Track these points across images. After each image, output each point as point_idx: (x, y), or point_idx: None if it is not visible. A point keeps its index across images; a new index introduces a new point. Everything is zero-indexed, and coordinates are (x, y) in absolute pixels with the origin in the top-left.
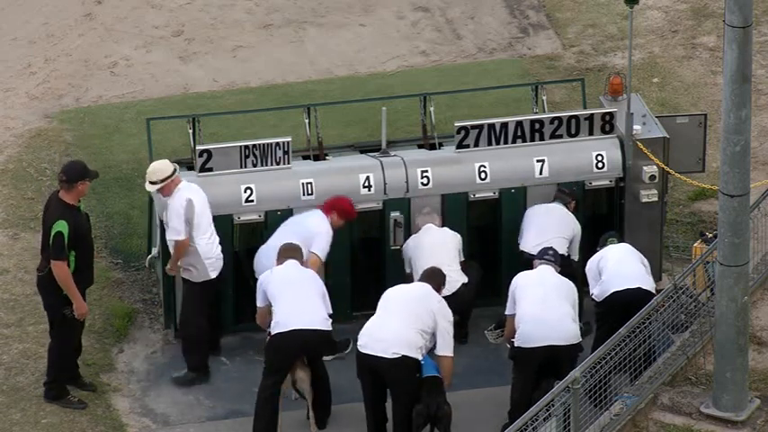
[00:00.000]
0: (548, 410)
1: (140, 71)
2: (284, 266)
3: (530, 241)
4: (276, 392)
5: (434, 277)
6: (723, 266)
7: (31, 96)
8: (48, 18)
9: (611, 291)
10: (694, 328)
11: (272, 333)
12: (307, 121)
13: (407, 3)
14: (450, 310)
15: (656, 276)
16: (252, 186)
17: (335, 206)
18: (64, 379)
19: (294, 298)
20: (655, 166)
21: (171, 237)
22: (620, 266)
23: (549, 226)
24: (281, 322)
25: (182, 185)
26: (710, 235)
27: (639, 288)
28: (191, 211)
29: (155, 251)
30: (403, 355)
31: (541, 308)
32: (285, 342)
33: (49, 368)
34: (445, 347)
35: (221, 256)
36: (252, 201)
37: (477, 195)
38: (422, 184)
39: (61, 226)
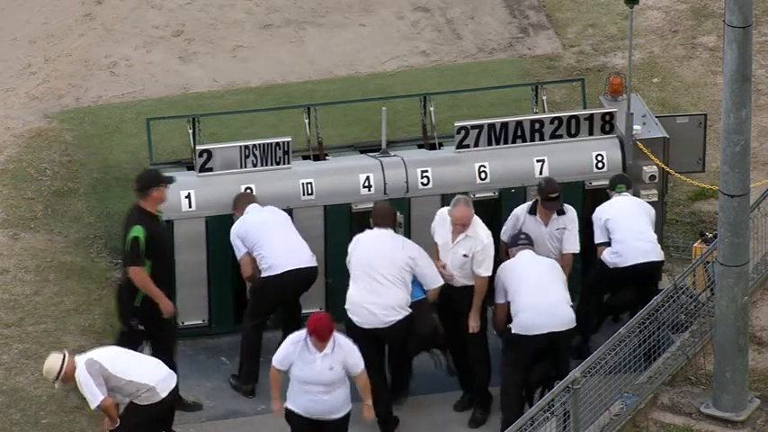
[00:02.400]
0: (548, 409)
1: (140, 71)
2: (254, 211)
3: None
4: (261, 330)
5: (388, 216)
6: (723, 266)
7: (31, 96)
8: (48, 18)
9: (628, 264)
10: (694, 328)
11: (266, 275)
12: (307, 121)
13: (407, 3)
14: (416, 245)
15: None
16: (252, 186)
17: None
18: None
19: (281, 238)
20: (655, 166)
21: (94, 404)
22: (634, 234)
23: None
24: (276, 264)
25: (77, 362)
26: (710, 235)
27: (653, 262)
28: (98, 373)
29: None
30: (397, 321)
31: (538, 295)
32: (281, 283)
33: None
34: (434, 281)
35: (170, 374)
36: None
37: (477, 195)
38: (422, 184)
39: (138, 231)
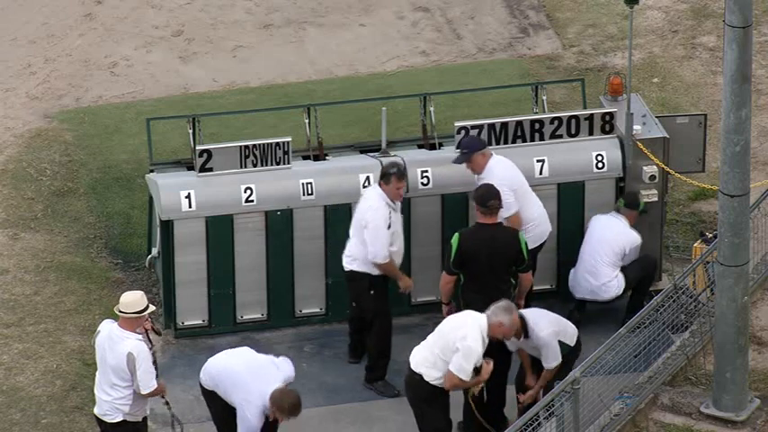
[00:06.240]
0: (548, 410)
1: (140, 71)
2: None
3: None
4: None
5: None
6: (723, 266)
7: (31, 96)
8: (48, 18)
9: None
10: (694, 328)
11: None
12: (307, 121)
13: (407, 3)
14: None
15: (657, 276)
16: (252, 186)
17: None
18: None
19: None
20: (655, 166)
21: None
22: None
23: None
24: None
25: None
26: (710, 235)
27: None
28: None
29: (155, 251)
30: None
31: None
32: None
33: None
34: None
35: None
36: (252, 201)
37: None
38: (422, 184)
39: (524, 237)
